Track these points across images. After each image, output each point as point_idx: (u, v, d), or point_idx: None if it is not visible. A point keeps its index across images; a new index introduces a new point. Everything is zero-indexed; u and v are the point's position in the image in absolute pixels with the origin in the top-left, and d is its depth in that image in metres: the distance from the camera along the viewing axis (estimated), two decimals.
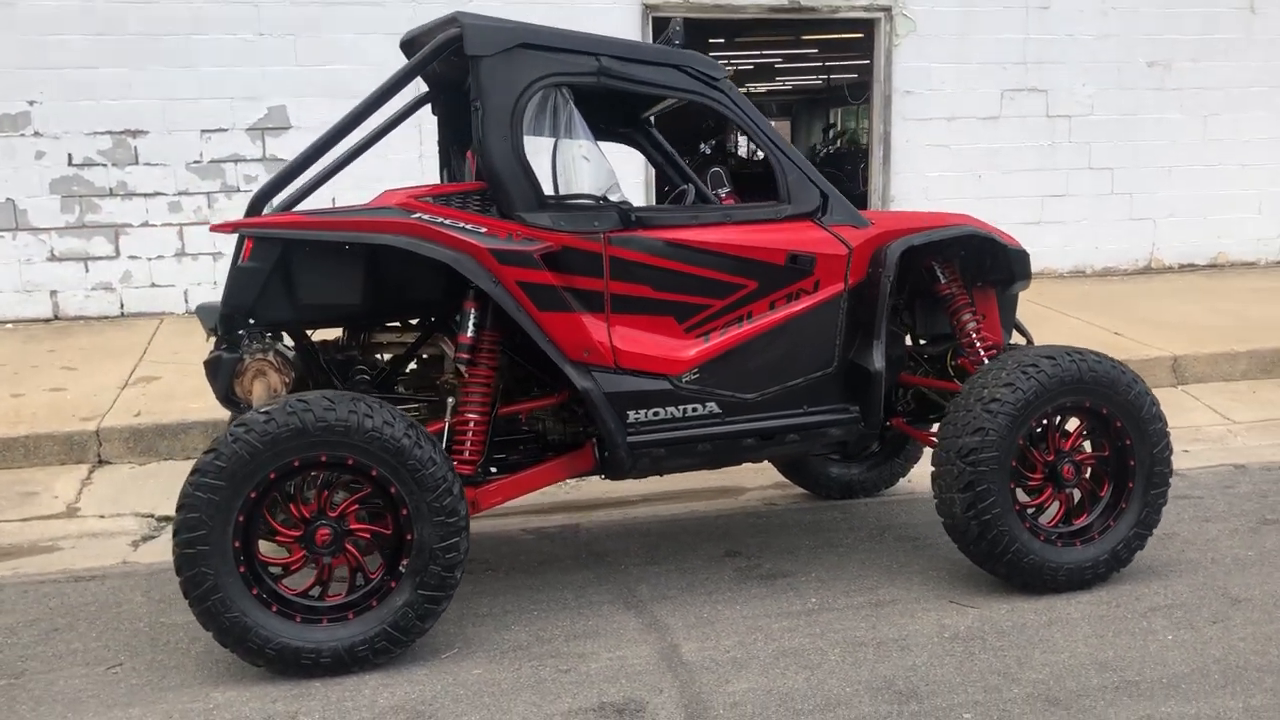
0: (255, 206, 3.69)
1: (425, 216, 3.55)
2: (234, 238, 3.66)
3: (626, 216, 3.72)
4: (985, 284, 4.42)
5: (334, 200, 7.37)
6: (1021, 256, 4.27)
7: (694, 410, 3.82)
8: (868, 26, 9.55)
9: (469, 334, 3.70)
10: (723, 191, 5.99)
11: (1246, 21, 10.12)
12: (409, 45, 4.28)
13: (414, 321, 4.18)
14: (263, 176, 8.41)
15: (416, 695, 3.30)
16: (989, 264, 4.32)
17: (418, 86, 4.38)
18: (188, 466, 5.91)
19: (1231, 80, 10.13)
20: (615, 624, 3.78)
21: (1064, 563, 3.91)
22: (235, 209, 8.43)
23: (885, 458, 5.21)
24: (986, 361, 4.24)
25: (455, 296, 3.79)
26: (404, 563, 3.44)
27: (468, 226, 3.56)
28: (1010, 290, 4.43)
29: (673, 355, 3.78)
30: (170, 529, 4.60)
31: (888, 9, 9.30)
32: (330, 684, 3.37)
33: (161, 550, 4.80)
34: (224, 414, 5.93)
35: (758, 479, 5.52)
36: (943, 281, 4.28)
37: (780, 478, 5.43)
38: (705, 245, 3.79)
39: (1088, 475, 4.01)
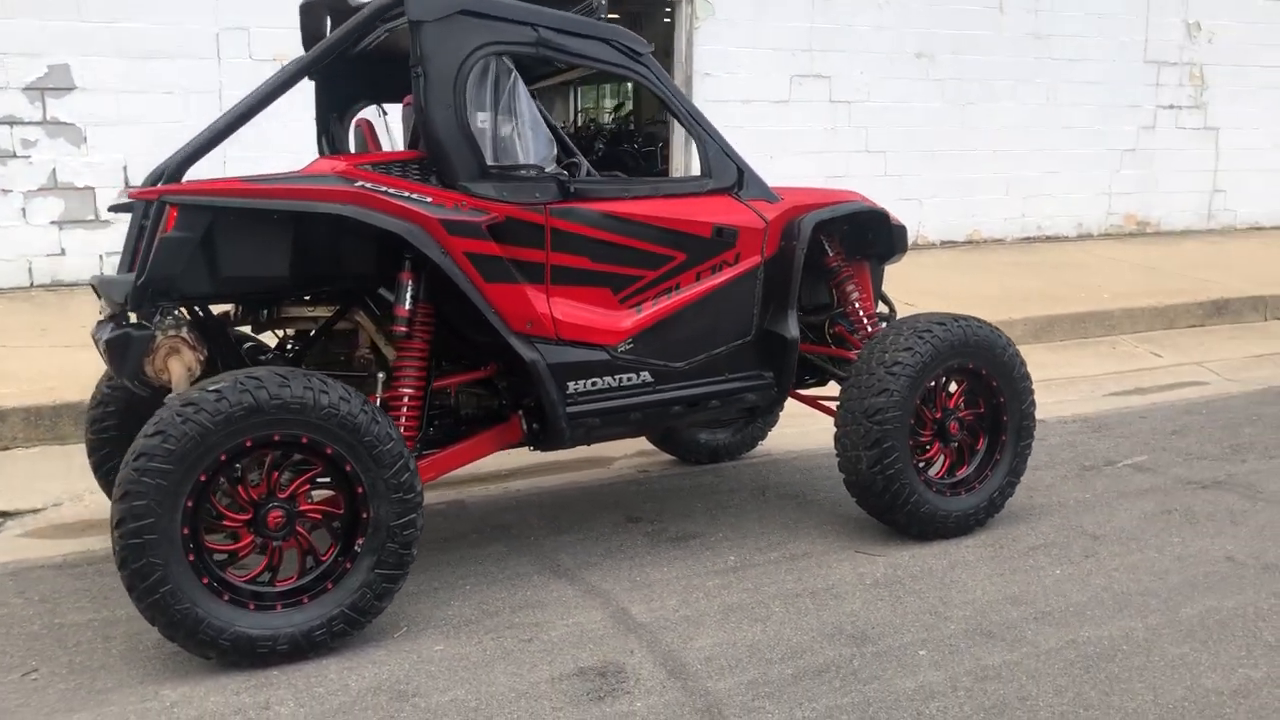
0: (174, 174, 3.44)
1: (368, 185, 3.44)
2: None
3: (565, 188, 3.74)
4: (861, 257, 4.72)
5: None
6: (902, 232, 4.60)
7: (629, 380, 3.90)
8: (666, 7, 9.80)
9: (406, 306, 3.62)
10: None
11: (996, 20, 11.11)
12: (319, 8, 4.08)
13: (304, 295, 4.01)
14: (44, 141, 7.70)
15: (388, 675, 3.23)
16: (870, 238, 4.63)
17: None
18: (5, 457, 5.45)
19: (985, 73, 11.10)
20: (553, 593, 3.82)
21: (952, 511, 4.27)
22: (12, 176, 7.68)
23: (746, 423, 5.47)
24: (871, 330, 4.56)
25: (383, 268, 3.69)
26: (359, 542, 3.34)
27: (413, 196, 3.48)
28: (886, 263, 4.76)
29: (610, 326, 3.84)
30: (7, 522, 4.28)
31: None
32: (289, 671, 3.24)
33: (9, 548, 4.42)
34: (53, 398, 5.49)
35: (622, 448, 5.66)
36: (830, 254, 4.55)
37: (644, 446, 5.60)
38: (640, 218, 3.87)
39: (966, 430, 4.40)
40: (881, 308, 5.05)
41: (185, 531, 3.12)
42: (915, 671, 3.22)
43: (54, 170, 7.75)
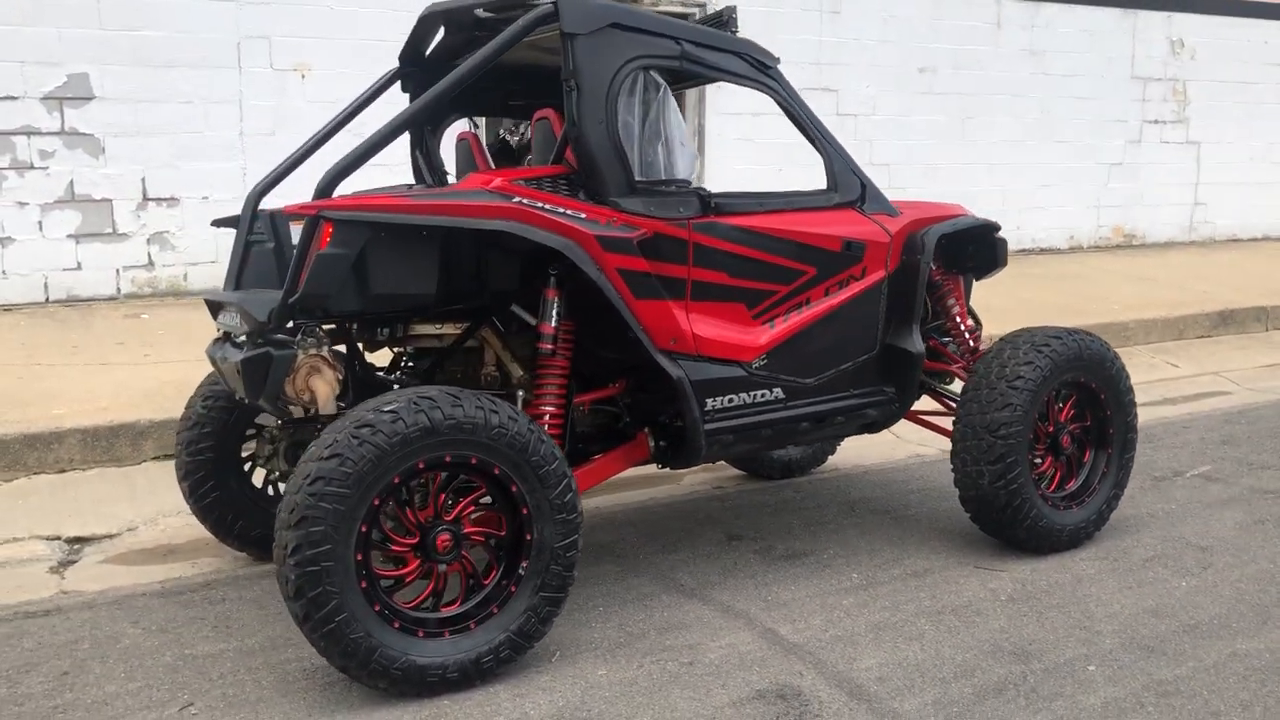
0: (326, 189, 3.33)
1: (525, 200, 3.36)
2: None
3: (707, 202, 3.69)
4: (958, 270, 4.73)
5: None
6: (1004, 246, 4.62)
7: (762, 396, 3.86)
8: None
9: (552, 323, 3.54)
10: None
11: (994, 35, 11.27)
12: (434, 19, 3.98)
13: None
14: (61, 152, 7.46)
15: (563, 702, 3.14)
16: (970, 251, 4.63)
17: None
18: (67, 481, 5.24)
19: (983, 88, 11.25)
20: (689, 614, 3.75)
21: (1066, 525, 4.28)
22: (28, 188, 7.43)
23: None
24: (974, 344, 4.57)
25: (522, 285, 3.62)
26: (524, 564, 3.26)
27: (568, 211, 3.41)
28: (984, 277, 4.77)
29: (746, 342, 3.80)
30: (82, 550, 4.19)
31: (703, 5, 9.58)
32: (460, 700, 3.14)
33: (96, 575, 4.27)
34: (108, 419, 5.29)
35: None
36: (935, 269, 4.55)
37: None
38: (775, 232, 3.84)
39: (1076, 444, 4.42)
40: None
41: (359, 558, 3.01)
42: (1093, 688, 3.21)
43: (71, 182, 7.51)
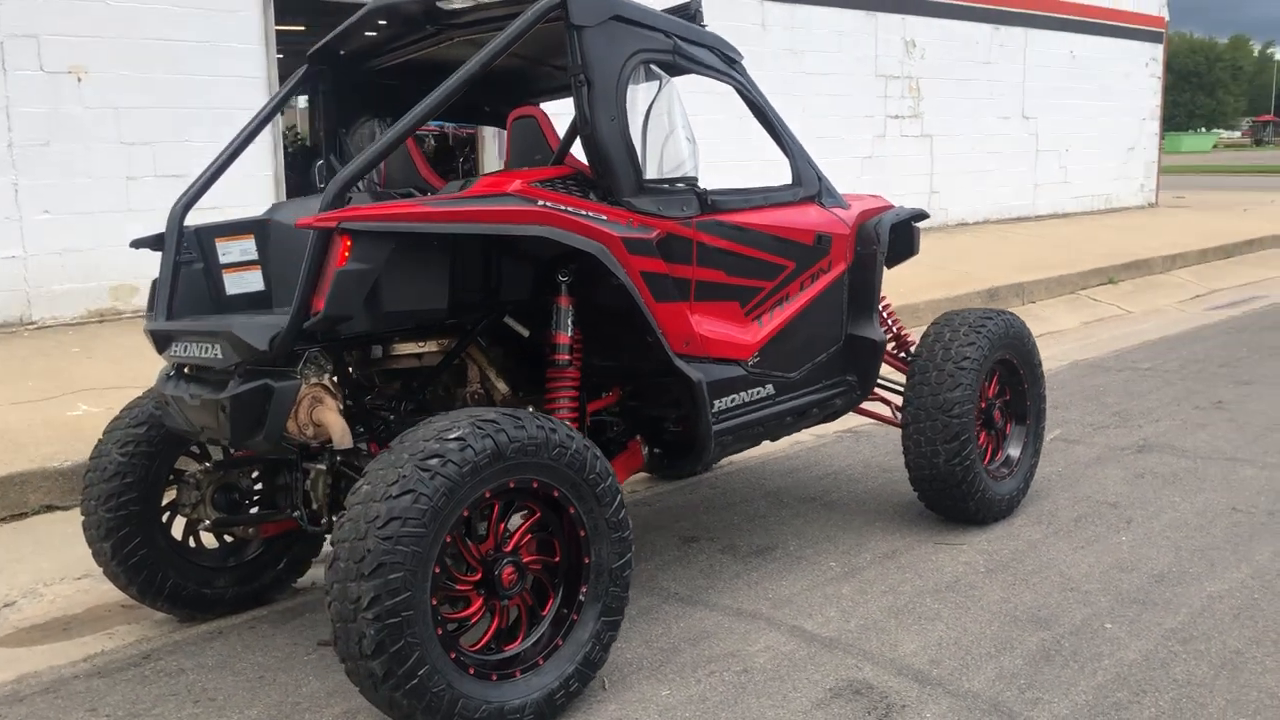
0: (335, 200, 2.97)
1: (549, 204, 3.15)
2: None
3: (705, 200, 3.61)
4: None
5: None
6: (919, 234, 4.79)
7: (757, 394, 3.82)
8: None
9: (568, 333, 3.35)
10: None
11: (760, 35, 11.72)
12: (383, 12, 3.67)
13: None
14: None
15: None
16: (892, 239, 4.78)
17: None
18: None
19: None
20: (706, 622, 3.66)
21: (1003, 494, 4.53)
22: None
23: None
24: (899, 330, 4.73)
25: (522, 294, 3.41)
26: (583, 590, 3.06)
27: (590, 214, 3.24)
28: (896, 264, 4.93)
29: (743, 340, 3.75)
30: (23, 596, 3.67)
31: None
32: None
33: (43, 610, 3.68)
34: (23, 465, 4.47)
35: None
36: None
37: None
38: (760, 228, 3.81)
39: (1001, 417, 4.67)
40: None
41: (434, 603, 2.73)
42: (1122, 644, 3.39)
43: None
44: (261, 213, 3.91)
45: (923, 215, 4.64)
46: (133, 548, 3.67)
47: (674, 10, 3.85)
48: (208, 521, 3.78)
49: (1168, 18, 18.50)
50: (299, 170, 11.89)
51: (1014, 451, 4.68)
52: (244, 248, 3.79)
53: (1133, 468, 5.29)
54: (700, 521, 4.69)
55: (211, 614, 3.89)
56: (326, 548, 3.08)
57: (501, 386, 3.64)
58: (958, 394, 4.23)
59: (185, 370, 3.34)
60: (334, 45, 4.02)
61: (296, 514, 3.54)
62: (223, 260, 3.73)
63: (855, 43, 12.84)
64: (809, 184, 4.10)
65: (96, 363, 6.36)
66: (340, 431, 3.05)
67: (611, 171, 3.33)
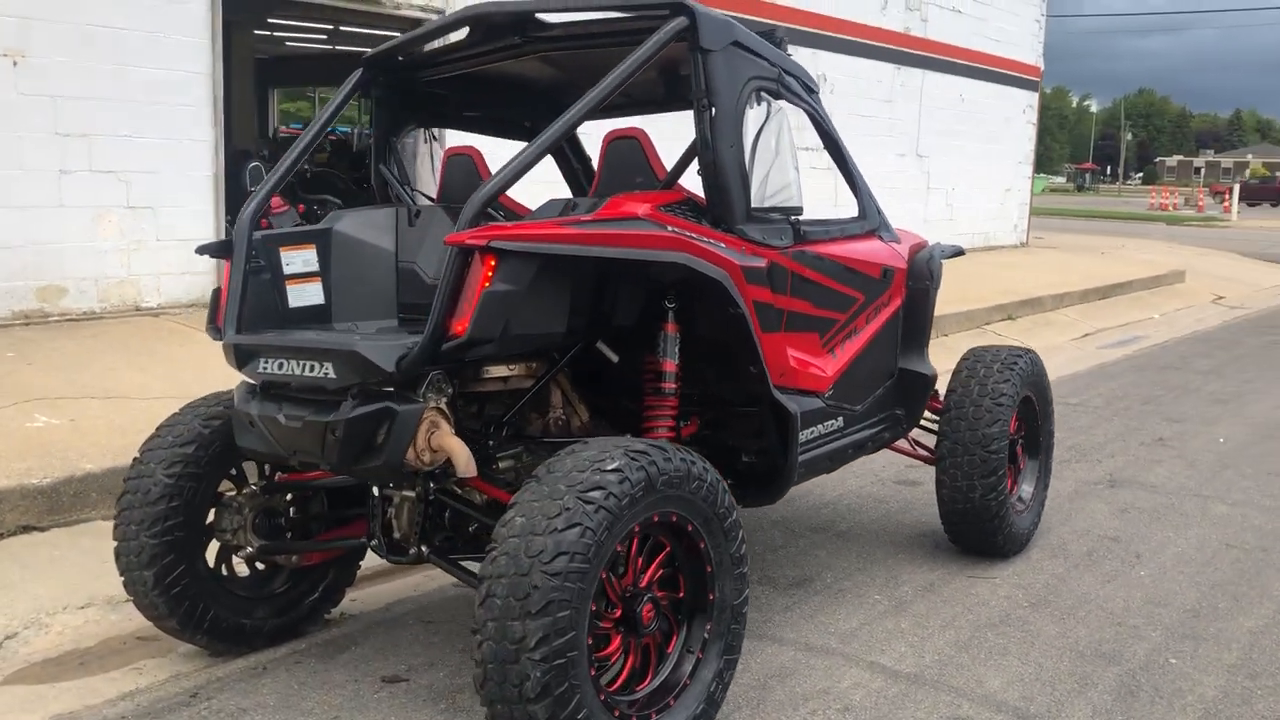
0: (480, 214, 2.82)
1: (676, 230, 3.07)
2: None
3: (797, 229, 3.58)
4: None
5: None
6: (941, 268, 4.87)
7: (830, 426, 3.81)
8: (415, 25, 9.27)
9: (675, 360, 3.27)
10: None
11: None
12: (478, 20, 3.53)
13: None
14: None
15: None
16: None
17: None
18: None
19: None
20: (782, 657, 3.62)
21: (1023, 528, 4.64)
22: None
23: None
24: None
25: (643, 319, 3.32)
26: (708, 627, 2.98)
27: (711, 241, 3.17)
28: None
29: (822, 372, 3.73)
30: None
31: (441, 10, 9.16)
32: None
33: (8, 705, 3.36)
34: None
35: None
36: None
37: None
38: (841, 259, 3.80)
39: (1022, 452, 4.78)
40: None
41: (589, 642, 2.62)
42: (1193, 679, 3.49)
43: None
44: (320, 223, 3.70)
45: (960, 252, 4.73)
46: (176, 576, 3.40)
47: (762, 36, 3.82)
48: (251, 548, 3.55)
49: (1043, 68, 19.48)
50: (228, 174, 11.32)
51: (1028, 487, 4.80)
52: (306, 258, 3.57)
53: (1113, 503, 5.50)
54: None
55: (247, 647, 3.64)
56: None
57: (583, 413, 3.53)
58: (995, 429, 4.31)
59: (269, 388, 3.11)
60: (396, 51, 3.85)
61: (374, 543, 3.34)
62: (286, 271, 3.51)
63: None
64: (872, 217, 4.13)
65: (39, 370, 5.89)
66: (466, 459, 2.90)
67: (727, 198, 3.27)
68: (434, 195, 4.08)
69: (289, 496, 3.72)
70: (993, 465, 4.28)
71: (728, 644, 3.01)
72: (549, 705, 2.50)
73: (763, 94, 3.45)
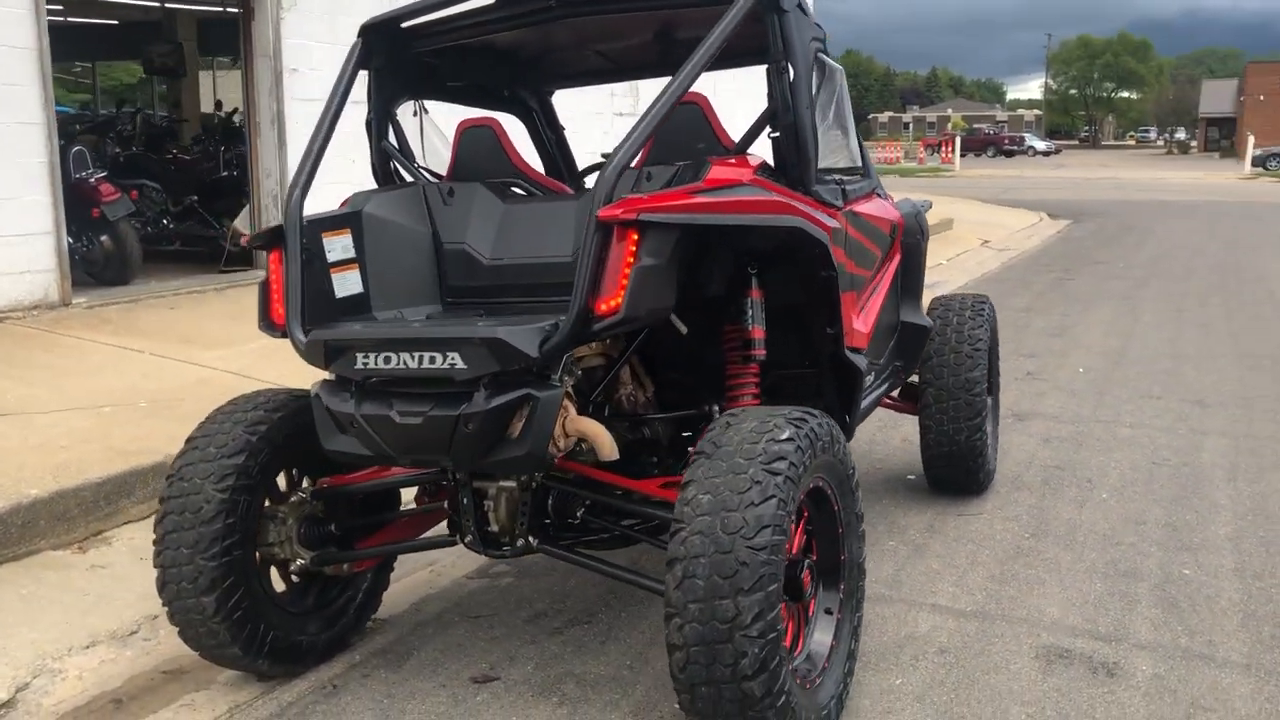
0: (614, 190, 2.69)
1: (777, 195, 3.05)
2: None
3: (843, 189, 3.62)
4: None
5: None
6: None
7: (868, 383, 3.88)
8: None
9: (762, 326, 3.26)
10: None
11: None
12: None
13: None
14: None
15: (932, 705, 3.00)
16: None
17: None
18: None
19: None
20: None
21: (993, 464, 4.91)
22: None
23: None
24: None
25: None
26: (841, 586, 3.01)
27: (805, 205, 3.16)
28: None
29: (864, 328, 3.79)
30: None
31: None
32: None
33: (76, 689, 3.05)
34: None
35: None
36: None
37: None
38: (870, 218, 3.87)
39: None
40: None
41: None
42: (1216, 586, 3.82)
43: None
44: (348, 206, 3.43)
45: (929, 206, 4.91)
46: (238, 600, 3.11)
47: None
48: (303, 560, 3.30)
49: None
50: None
51: (989, 425, 5.07)
52: (344, 244, 3.31)
53: (1032, 434, 5.89)
54: None
55: (301, 666, 3.38)
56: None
57: (649, 386, 3.46)
58: (977, 374, 4.52)
59: (365, 382, 2.88)
60: (398, 18, 3.61)
61: (468, 539, 3.17)
62: (329, 258, 3.24)
63: None
64: (872, 175, 4.23)
65: None
66: (609, 445, 2.80)
67: (806, 160, 3.26)
68: (442, 171, 3.86)
69: (322, 504, 3.46)
70: (977, 408, 4.50)
71: (857, 602, 3.05)
72: (765, 680, 2.47)
73: (819, 54, 3.45)
